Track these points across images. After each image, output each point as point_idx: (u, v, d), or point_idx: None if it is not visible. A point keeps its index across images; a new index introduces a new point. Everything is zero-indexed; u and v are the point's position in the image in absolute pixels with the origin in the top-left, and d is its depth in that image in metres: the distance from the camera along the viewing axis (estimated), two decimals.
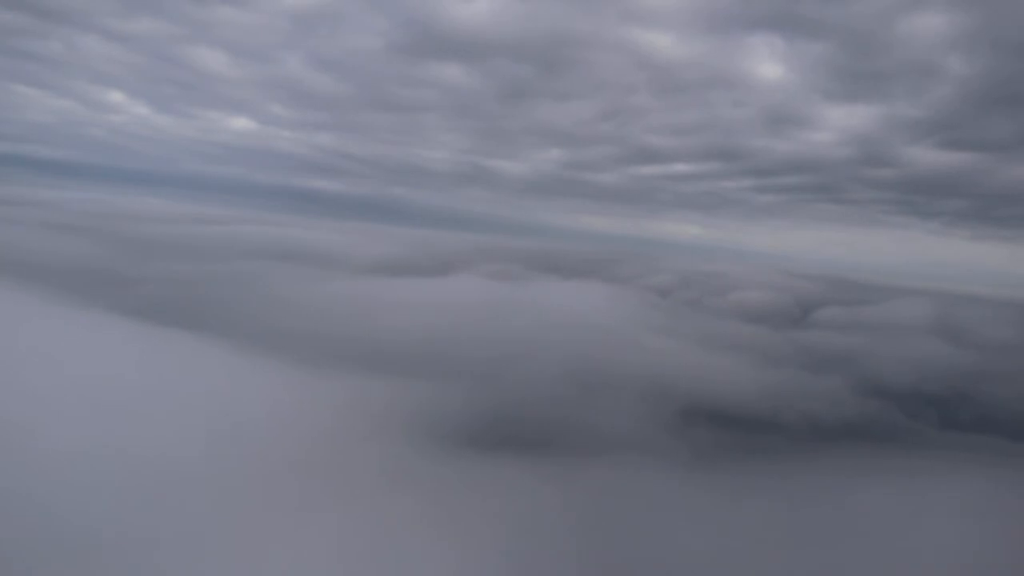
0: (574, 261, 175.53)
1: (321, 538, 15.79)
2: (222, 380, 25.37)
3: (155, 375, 23.86)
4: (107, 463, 19.05)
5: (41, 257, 66.72)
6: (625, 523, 21.00)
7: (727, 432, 49.73)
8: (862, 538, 25.27)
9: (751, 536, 23.27)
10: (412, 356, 40.35)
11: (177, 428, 19.75)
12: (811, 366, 76.88)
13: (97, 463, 18.97)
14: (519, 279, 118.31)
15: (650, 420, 45.00)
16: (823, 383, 70.42)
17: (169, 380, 23.67)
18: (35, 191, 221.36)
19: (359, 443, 22.79)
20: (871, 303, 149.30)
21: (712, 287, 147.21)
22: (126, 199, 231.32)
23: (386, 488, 19.43)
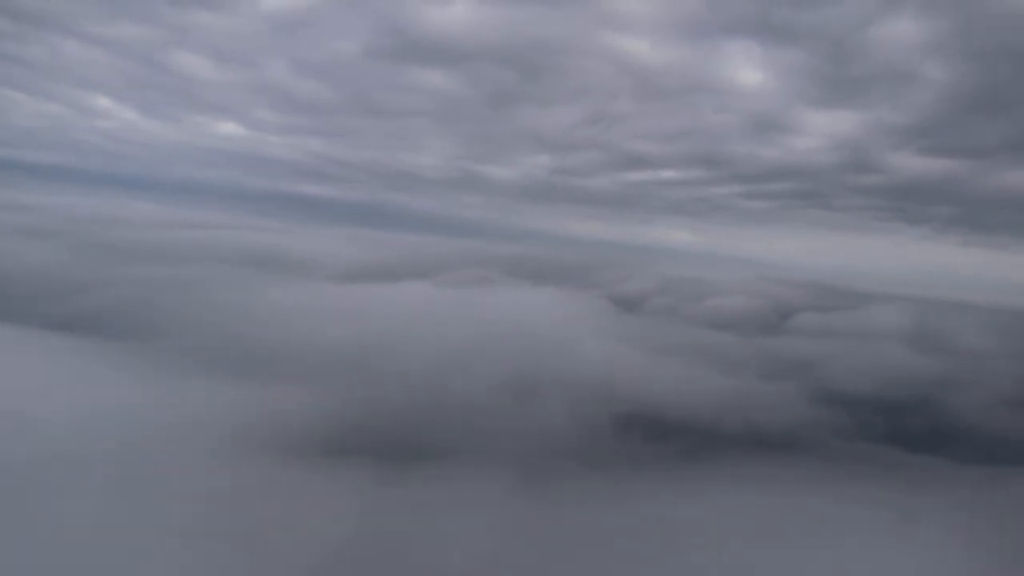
0: (556, 266, 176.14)
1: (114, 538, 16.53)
2: (98, 389, 26.16)
3: (23, 386, 24.57)
4: None
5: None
6: (446, 529, 21.70)
7: (656, 439, 50.29)
8: (719, 546, 25.87)
9: (604, 541, 23.98)
10: (328, 364, 41.11)
11: (25, 436, 20.49)
12: (768, 373, 77.31)
13: None
14: (492, 284, 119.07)
15: (574, 427, 45.59)
16: (775, 390, 70.87)
17: (35, 390, 24.42)
18: (25, 196, 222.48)
19: (205, 451, 23.51)
20: (850, 309, 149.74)
21: (689, 293, 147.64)
22: (115, 204, 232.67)
23: (209, 495, 20.16)
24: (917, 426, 65.21)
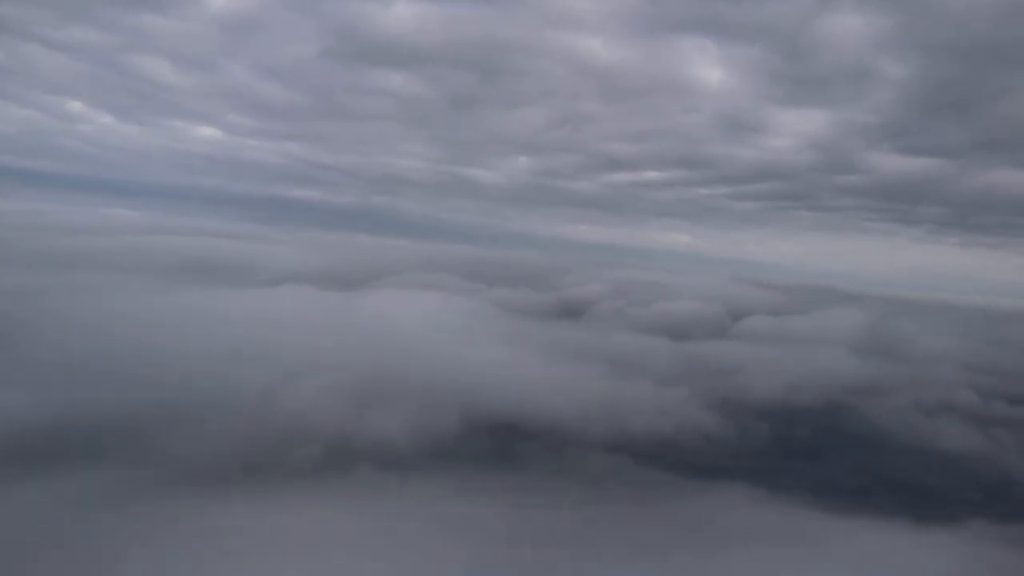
0: (518, 270, 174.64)
1: None
2: None
3: None
4: None
5: None
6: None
7: (501, 444, 48.61)
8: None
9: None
10: (133, 370, 40.56)
11: None
12: (673, 379, 74.85)
13: None
14: (431, 289, 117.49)
15: (381, 431, 44.48)
16: (666, 396, 68.78)
17: None
18: (3, 202, 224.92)
19: None
20: (806, 313, 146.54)
21: (642, 297, 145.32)
22: (87, 210, 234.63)
23: None
24: (800, 436, 62.83)
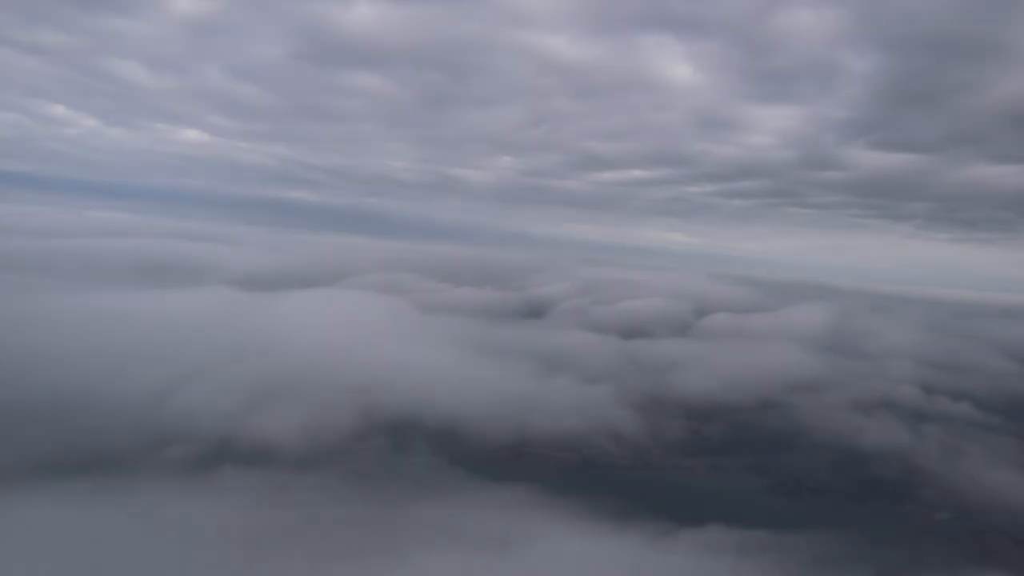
0: (491, 270, 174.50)
1: None
2: None
3: None
4: None
5: None
6: None
7: (388, 444, 49.08)
8: None
9: None
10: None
11: None
12: (599, 377, 74.62)
13: None
14: (396, 290, 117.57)
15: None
16: (589, 395, 68.68)
17: None
18: None
19: None
20: (772, 310, 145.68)
21: (609, 295, 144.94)
22: (72, 212, 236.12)
23: None
24: (713, 435, 62.57)
